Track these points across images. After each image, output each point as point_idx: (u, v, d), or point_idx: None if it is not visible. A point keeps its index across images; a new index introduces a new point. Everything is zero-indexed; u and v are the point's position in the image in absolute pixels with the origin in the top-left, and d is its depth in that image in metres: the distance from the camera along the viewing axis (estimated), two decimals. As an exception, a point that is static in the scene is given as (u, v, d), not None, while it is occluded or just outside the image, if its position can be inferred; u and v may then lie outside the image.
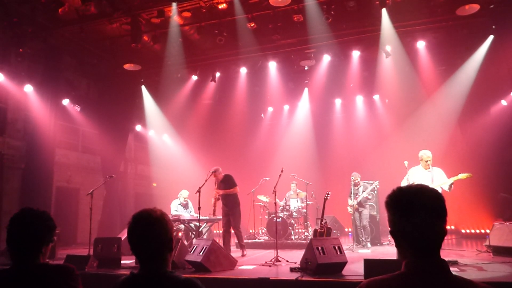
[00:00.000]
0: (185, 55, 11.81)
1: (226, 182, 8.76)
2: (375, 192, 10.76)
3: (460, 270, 5.88)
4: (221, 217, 9.22)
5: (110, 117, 13.19)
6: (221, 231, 9.18)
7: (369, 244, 9.79)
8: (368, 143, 14.73)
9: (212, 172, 8.45)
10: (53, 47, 11.45)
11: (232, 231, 8.86)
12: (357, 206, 9.87)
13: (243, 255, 8.40)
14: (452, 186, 6.56)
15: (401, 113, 13.79)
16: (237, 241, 8.94)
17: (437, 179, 6.69)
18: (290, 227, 10.73)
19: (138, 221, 1.94)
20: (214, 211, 8.79)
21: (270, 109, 16.65)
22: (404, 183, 6.68)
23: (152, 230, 1.91)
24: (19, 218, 2.15)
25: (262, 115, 16.90)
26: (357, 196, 9.92)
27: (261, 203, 11.76)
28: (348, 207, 10.06)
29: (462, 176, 6.48)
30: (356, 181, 10.03)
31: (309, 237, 9.88)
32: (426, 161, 6.80)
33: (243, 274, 6.11)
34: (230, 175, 8.89)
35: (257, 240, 11.34)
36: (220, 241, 7.98)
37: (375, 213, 11.04)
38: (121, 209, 14.01)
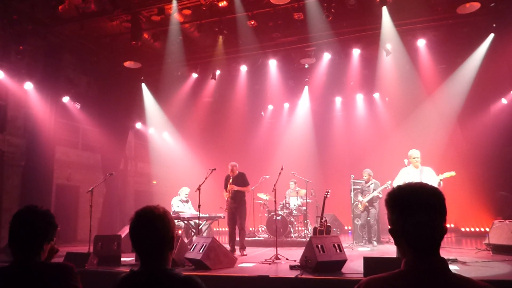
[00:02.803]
0: (185, 53, 11.80)
1: (240, 179, 8.88)
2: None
3: (460, 268, 5.89)
4: (222, 214, 9.23)
5: (110, 114, 13.19)
6: (221, 229, 9.20)
7: (375, 243, 9.79)
8: (368, 141, 14.72)
9: (212, 169, 8.44)
10: (53, 45, 11.45)
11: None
12: (366, 203, 9.85)
13: (242, 255, 8.39)
14: (441, 183, 6.68)
15: (401, 111, 13.78)
16: (237, 239, 8.93)
17: (425, 178, 6.79)
18: (289, 225, 10.74)
19: (140, 217, 1.95)
20: (227, 205, 8.83)
21: (270, 107, 16.64)
22: (395, 183, 6.79)
23: (154, 227, 1.92)
24: (22, 214, 2.16)
25: (262, 113, 16.88)
26: (367, 193, 9.90)
27: (261, 201, 11.78)
28: (358, 204, 10.02)
29: (447, 175, 6.68)
30: (365, 177, 10.03)
31: (309, 235, 9.88)
32: (414, 159, 7.00)
33: (242, 272, 6.12)
34: (243, 173, 9.03)
35: (256, 238, 11.35)
36: (219, 239, 7.98)
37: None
38: (121, 207, 14.03)
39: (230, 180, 8.88)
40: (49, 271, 2.09)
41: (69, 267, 2.14)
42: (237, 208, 8.77)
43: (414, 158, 7.02)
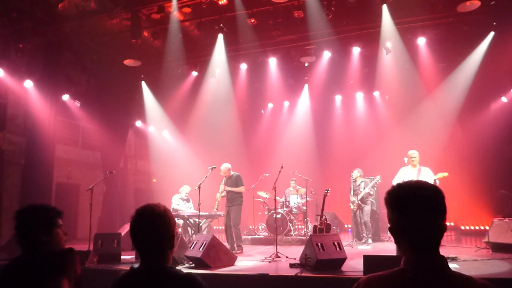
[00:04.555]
0: (185, 51, 11.78)
1: (234, 180, 8.94)
2: (375, 188, 10.74)
3: (459, 267, 5.90)
4: (221, 213, 9.26)
5: (110, 112, 13.17)
6: (221, 227, 9.23)
7: (370, 240, 9.75)
8: (368, 140, 14.73)
9: (212, 168, 8.46)
10: (53, 43, 11.43)
11: None
12: (359, 202, 9.83)
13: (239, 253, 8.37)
14: (437, 182, 7.00)
15: (401, 109, 13.78)
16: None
17: (423, 177, 7.07)
18: (289, 223, 10.75)
19: (140, 215, 1.96)
20: (217, 205, 8.99)
21: (270, 105, 16.63)
22: (394, 182, 6.96)
23: (154, 225, 1.92)
24: (20, 211, 2.35)
25: (262, 112, 16.89)
26: (358, 192, 9.90)
27: (261, 199, 11.79)
28: (351, 204, 10.03)
29: (440, 175, 7.14)
30: (354, 176, 10.02)
31: (309, 233, 9.89)
32: (411, 159, 7.43)
33: (242, 270, 6.13)
34: (239, 174, 9.06)
35: (256, 236, 11.37)
36: (219, 238, 7.99)
37: (375, 208, 11.00)
38: (121, 205, 14.03)
39: (223, 181, 8.99)
40: (51, 258, 2.20)
41: (65, 252, 2.28)
42: (231, 207, 8.86)
43: (412, 158, 7.42)
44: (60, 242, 2.39)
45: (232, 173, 9.04)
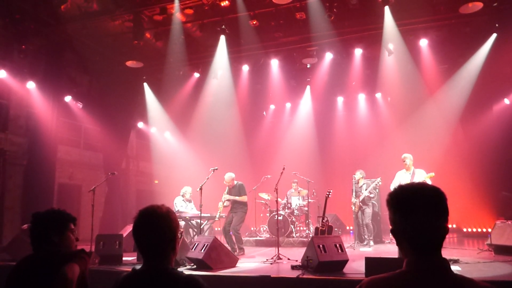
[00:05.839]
0: (187, 52, 11.80)
1: (237, 190, 8.91)
2: (377, 190, 10.73)
3: (461, 269, 5.88)
4: (223, 214, 9.25)
5: (112, 114, 13.20)
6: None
7: (371, 242, 9.74)
8: (370, 141, 14.71)
9: (214, 169, 8.45)
10: (55, 44, 11.46)
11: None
12: (360, 204, 9.82)
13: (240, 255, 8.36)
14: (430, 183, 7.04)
15: (403, 111, 13.76)
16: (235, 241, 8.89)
17: (416, 179, 7.34)
18: (291, 225, 10.74)
19: (143, 216, 1.96)
20: (219, 214, 9.01)
21: (272, 107, 16.64)
22: (392, 186, 7.10)
23: (156, 226, 1.93)
24: (36, 213, 2.56)
25: (264, 113, 16.89)
26: (360, 194, 9.89)
27: (262, 201, 11.78)
28: (352, 206, 10.03)
29: (428, 175, 7.43)
30: (357, 178, 10.01)
31: (310, 235, 9.88)
32: (404, 162, 7.81)
33: (244, 272, 6.13)
34: (242, 183, 9.03)
35: (258, 238, 11.36)
36: (221, 239, 7.98)
37: (376, 210, 10.99)
38: (123, 206, 14.05)
39: (226, 191, 8.97)
40: (56, 257, 2.34)
41: (76, 252, 2.44)
42: (234, 213, 8.85)
43: (404, 161, 7.79)
44: (71, 245, 2.55)
45: (235, 182, 9.01)
